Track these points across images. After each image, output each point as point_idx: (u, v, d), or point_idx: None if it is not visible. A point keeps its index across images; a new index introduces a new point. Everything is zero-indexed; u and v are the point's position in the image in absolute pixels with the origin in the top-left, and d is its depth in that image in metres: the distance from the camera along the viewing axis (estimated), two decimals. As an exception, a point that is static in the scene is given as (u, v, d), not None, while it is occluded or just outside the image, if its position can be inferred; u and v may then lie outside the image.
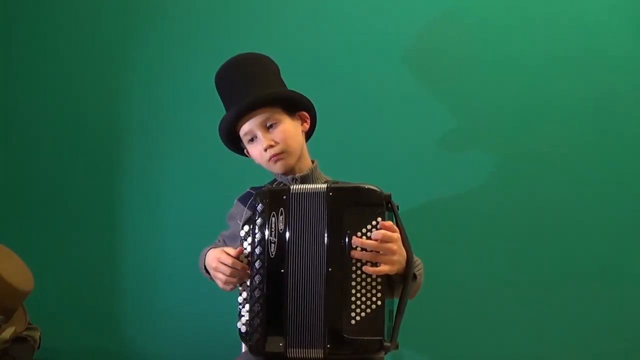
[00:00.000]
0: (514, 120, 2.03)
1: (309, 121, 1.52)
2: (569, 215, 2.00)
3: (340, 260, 1.27)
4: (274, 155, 1.43)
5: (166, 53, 2.14)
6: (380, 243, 1.25)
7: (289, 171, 1.47)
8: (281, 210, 1.30)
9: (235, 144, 1.52)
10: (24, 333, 1.65)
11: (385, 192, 1.29)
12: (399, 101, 2.05)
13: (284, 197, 1.31)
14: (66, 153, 2.14)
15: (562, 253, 2.00)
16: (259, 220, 1.32)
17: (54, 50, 2.16)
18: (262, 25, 2.10)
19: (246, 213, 1.41)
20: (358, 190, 1.29)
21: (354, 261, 1.27)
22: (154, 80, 2.14)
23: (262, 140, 1.43)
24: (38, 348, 1.70)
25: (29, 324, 1.69)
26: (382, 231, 1.25)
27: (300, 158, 1.48)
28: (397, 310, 1.32)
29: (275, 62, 1.52)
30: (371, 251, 1.26)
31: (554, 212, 2.00)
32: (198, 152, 2.11)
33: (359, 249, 1.26)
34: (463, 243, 2.01)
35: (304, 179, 1.47)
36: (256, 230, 1.31)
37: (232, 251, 1.34)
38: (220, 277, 1.35)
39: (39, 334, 1.70)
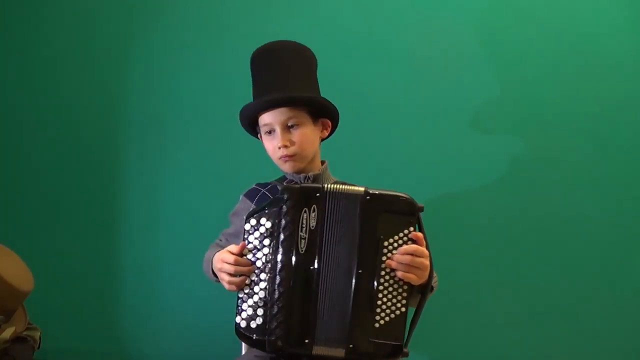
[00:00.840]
0: (515, 121, 2.03)
1: (329, 129, 1.53)
2: (570, 216, 2.00)
3: (371, 264, 1.29)
4: (285, 156, 1.44)
5: (166, 50, 2.13)
6: (413, 257, 1.27)
7: (298, 172, 1.48)
8: (313, 207, 1.30)
9: (253, 127, 1.52)
10: (24, 333, 1.65)
11: (419, 204, 1.31)
12: (400, 101, 2.05)
13: (317, 194, 1.31)
14: (65, 152, 2.14)
15: (563, 253, 2.00)
16: (288, 217, 1.30)
17: (52, 48, 2.15)
18: (263, 24, 2.10)
19: (253, 208, 1.42)
20: (395, 199, 1.30)
21: (383, 266, 1.29)
22: (153, 78, 2.13)
23: (279, 137, 1.43)
24: (38, 348, 1.69)
25: (29, 324, 1.69)
26: (415, 246, 1.28)
27: (311, 161, 1.49)
28: (412, 320, 1.35)
29: None
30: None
31: (554, 212, 2.01)
32: (198, 152, 2.11)
33: (394, 258, 1.28)
34: (462, 244, 2.01)
35: (316, 178, 1.49)
36: (283, 225, 1.30)
37: (234, 248, 1.34)
38: (224, 278, 1.35)
39: (39, 334, 1.70)
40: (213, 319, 2.05)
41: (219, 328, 2.01)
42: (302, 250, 1.29)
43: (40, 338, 1.70)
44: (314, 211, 1.30)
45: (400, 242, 1.29)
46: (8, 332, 1.57)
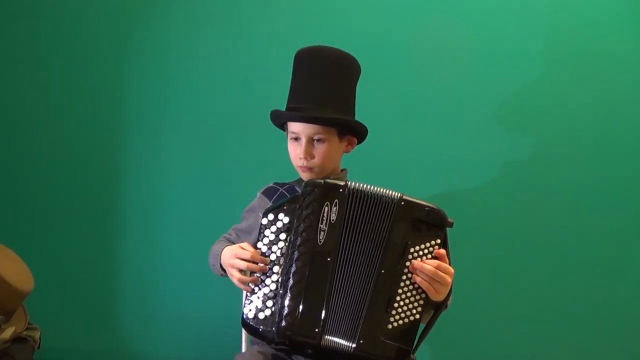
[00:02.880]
0: (515, 119, 2.03)
1: (354, 145, 1.55)
2: (570, 215, 2.01)
3: (394, 266, 1.31)
4: (304, 167, 1.46)
5: (166, 49, 2.13)
6: (437, 270, 1.29)
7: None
8: (335, 202, 1.32)
9: (282, 124, 1.53)
10: (24, 333, 1.65)
11: (450, 219, 1.33)
12: (399, 100, 2.06)
13: (340, 190, 1.33)
14: (66, 152, 2.13)
15: (563, 253, 2.00)
16: (309, 208, 1.33)
17: (51, 48, 2.15)
18: (263, 24, 2.10)
19: (272, 204, 1.43)
20: (428, 209, 1.32)
21: (405, 271, 1.31)
22: (153, 77, 2.13)
23: (303, 149, 1.45)
24: (38, 348, 1.69)
25: (29, 324, 1.69)
26: (438, 261, 1.30)
27: (329, 173, 1.51)
28: (423, 332, 1.36)
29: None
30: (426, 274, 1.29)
31: (555, 212, 2.01)
32: (198, 151, 2.11)
33: (417, 264, 1.29)
34: (462, 243, 2.00)
35: (337, 180, 1.48)
36: (304, 216, 1.32)
37: (248, 246, 1.35)
38: (234, 274, 1.36)
39: (39, 334, 1.70)
40: (213, 317, 2.04)
41: (219, 326, 2.01)
42: (320, 242, 1.31)
43: (40, 338, 1.70)
44: (335, 205, 1.32)
45: (426, 251, 1.32)
46: (8, 332, 1.57)
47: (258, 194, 1.56)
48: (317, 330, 1.29)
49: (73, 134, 2.14)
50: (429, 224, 1.32)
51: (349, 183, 1.34)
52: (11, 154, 2.15)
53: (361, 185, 1.34)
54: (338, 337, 1.29)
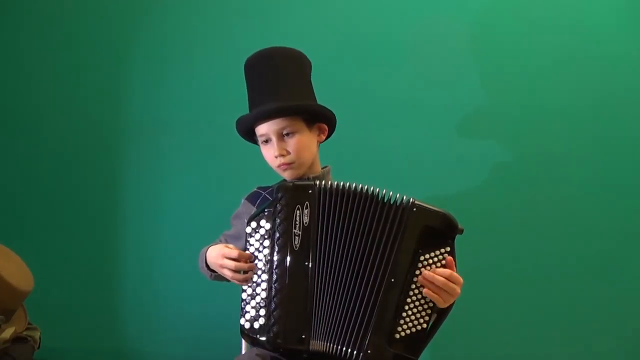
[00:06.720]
0: (515, 120, 2.03)
1: (326, 132, 1.52)
2: (569, 215, 2.00)
3: (404, 275, 1.28)
4: (283, 164, 1.44)
5: (167, 51, 2.13)
6: (447, 281, 1.26)
7: (298, 178, 1.47)
8: (306, 204, 1.30)
9: (251, 135, 1.51)
10: (24, 333, 1.65)
11: (460, 225, 1.31)
12: (398, 101, 2.05)
13: (310, 191, 1.31)
14: (66, 152, 2.14)
15: (563, 253, 2.00)
16: (282, 214, 1.30)
17: (54, 49, 2.16)
18: (262, 25, 2.10)
19: (255, 211, 1.42)
20: (440, 216, 1.30)
21: (415, 280, 1.28)
22: (154, 79, 2.13)
23: (275, 147, 1.43)
24: (38, 348, 1.70)
25: (29, 324, 1.69)
26: (451, 271, 1.27)
27: (310, 166, 1.48)
28: (427, 335, 1.34)
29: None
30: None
31: (553, 211, 2.01)
32: (198, 152, 2.11)
33: (427, 275, 1.26)
34: (461, 243, 2.00)
35: (316, 180, 1.47)
36: (278, 223, 1.30)
37: (234, 247, 1.35)
38: (227, 273, 1.35)
39: (39, 334, 1.70)
40: (213, 318, 2.05)
41: (219, 327, 2.01)
42: (296, 247, 1.29)
43: (40, 338, 1.70)
44: (306, 208, 1.30)
45: (436, 259, 1.29)
46: (8, 332, 1.58)
47: (242, 200, 1.54)
48: (303, 336, 1.27)
49: (74, 134, 2.14)
50: (440, 231, 1.29)
51: (318, 183, 1.31)
52: (11, 155, 2.15)
53: (330, 183, 1.31)
54: (332, 343, 1.27)
